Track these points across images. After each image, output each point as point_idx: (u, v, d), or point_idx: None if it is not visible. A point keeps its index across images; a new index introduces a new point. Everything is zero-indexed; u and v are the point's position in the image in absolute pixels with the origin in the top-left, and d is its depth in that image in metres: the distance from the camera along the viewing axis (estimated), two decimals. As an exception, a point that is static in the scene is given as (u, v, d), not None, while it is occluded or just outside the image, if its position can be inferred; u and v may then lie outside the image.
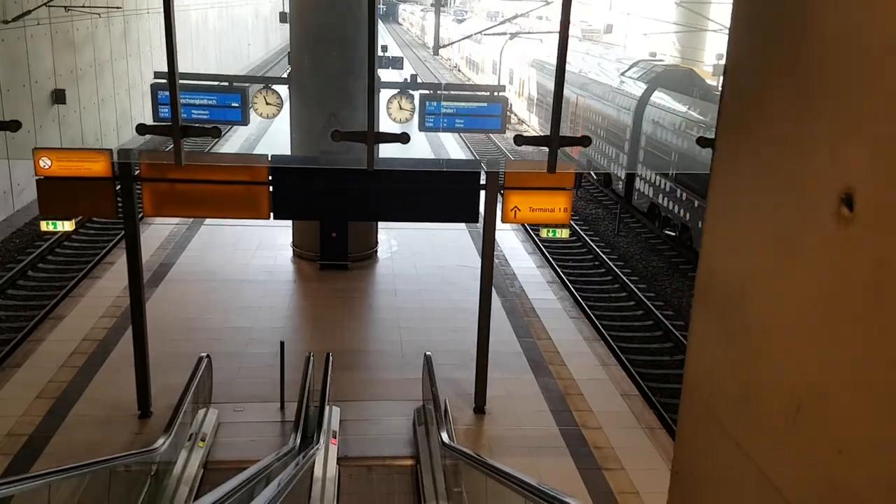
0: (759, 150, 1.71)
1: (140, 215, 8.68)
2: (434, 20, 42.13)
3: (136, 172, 8.32)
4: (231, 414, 9.24)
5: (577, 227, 19.51)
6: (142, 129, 7.14)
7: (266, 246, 15.04)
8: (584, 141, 7.65)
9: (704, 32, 29.56)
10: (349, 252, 14.01)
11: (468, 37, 33.26)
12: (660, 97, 20.01)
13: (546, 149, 7.51)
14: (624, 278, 16.28)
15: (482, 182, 8.77)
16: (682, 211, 17.83)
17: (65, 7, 17.27)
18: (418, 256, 14.86)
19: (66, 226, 8.47)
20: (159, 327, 11.21)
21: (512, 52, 36.22)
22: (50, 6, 17.06)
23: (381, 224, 15.13)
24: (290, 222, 14.79)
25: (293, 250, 14.64)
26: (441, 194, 8.67)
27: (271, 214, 8.51)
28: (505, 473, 5.59)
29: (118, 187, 8.31)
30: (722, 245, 2.03)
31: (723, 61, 25.58)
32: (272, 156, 8.36)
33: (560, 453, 8.68)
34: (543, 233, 8.98)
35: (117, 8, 23.26)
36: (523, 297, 13.15)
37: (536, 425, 9.22)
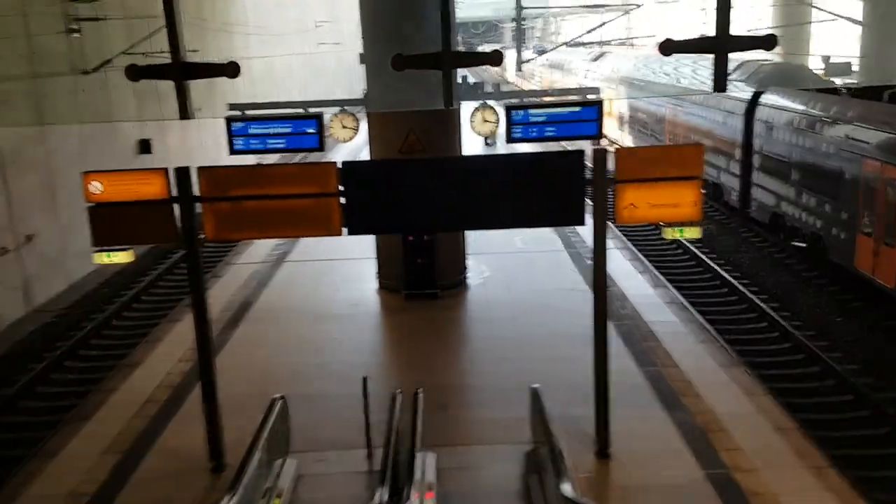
0: None
1: (202, 237, 7.73)
2: (515, 53, 41.47)
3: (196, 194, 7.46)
4: (312, 464, 8.03)
5: (689, 245, 17.60)
6: (132, 70, 6.25)
7: (350, 279, 14.03)
8: (769, 41, 5.94)
9: (808, 27, 27.17)
10: (437, 279, 12.79)
11: (560, 45, 32.04)
12: (771, 97, 18.04)
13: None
14: (752, 297, 14.27)
15: (587, 176, 7.38)
16: (811, 218, 15.68)
17: (143, 53, 17.18)
18: (512, 281, 13.46)
19: (123, 256, 7.62)
20: (239, 368, 10.37)
21: (597, 72, 34.81)
22: (129, 53, 17.01)
23: (469, 250, 13.89)
24: (374, 254, 13.75)
25: (378, 281, 13.54)
26: (540, 193, 7.32)
27: (344, 230, 7.37)
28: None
29: (177, 210, 7.46)
30: None
31: (833, 60, 23.09)
32: (342, 161, 7.27)
33: (709, 504, 6.97)
34: (668, 234, 7.42)
35: (194, 51, 23.38)
36: (638, 319, 11.46)
37: (675, 470, 7.52)
